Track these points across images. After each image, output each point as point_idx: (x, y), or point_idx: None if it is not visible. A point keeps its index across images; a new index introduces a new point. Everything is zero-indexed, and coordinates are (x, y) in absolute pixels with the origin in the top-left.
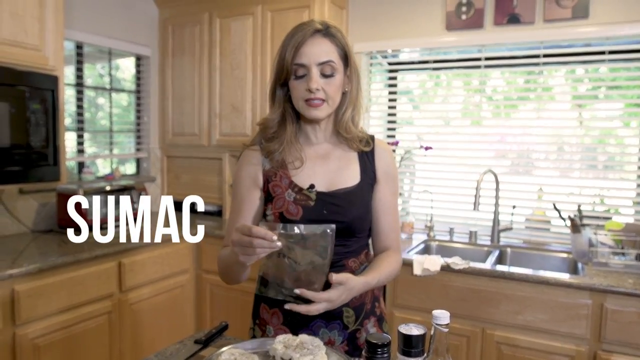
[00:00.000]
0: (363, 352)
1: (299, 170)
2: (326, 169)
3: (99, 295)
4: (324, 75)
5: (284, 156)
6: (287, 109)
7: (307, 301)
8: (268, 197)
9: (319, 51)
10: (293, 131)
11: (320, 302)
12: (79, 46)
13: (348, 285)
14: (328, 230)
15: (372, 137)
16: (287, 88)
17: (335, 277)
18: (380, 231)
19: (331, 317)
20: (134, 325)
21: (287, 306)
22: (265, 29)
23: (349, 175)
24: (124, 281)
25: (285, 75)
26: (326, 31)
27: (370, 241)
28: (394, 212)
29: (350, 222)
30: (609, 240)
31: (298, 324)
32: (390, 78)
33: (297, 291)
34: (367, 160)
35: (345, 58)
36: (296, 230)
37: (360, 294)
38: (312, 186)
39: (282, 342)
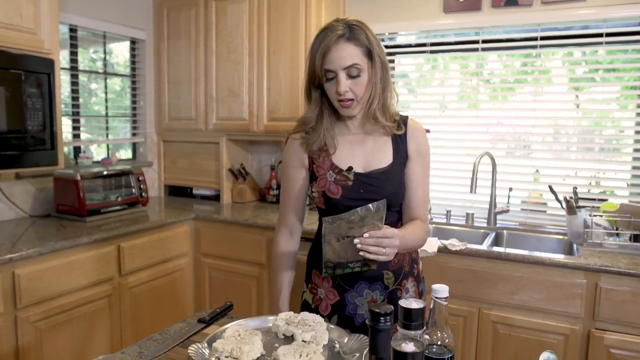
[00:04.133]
0: (367, 321)
1: (338, 153)
2: (363, 152)
3: (99, 278)
4: (351, 77)
5: (324, 142)
6: (324, 106)
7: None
8: (312, 177)
9: (344, 56)
10: (330, 124)
11: (389, 234)
12: (73, 30)
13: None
14: (381, 206)
15: (404, 121)
16: (322, 88)
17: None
18: (409, 203)
19: (373, 279)
20: (133, 309)
21: (356, 240)
22: (261, 12)
23: (383, 157)
24: (123, 265)
25: (319, 79)
26: (350, 34)
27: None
28: (423, 187)
29: (384, 199)
30: (604, 221)
31: (345, 287)
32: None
33: (366, 234)
34: (400, 142)
35: (370, 54)
36: (355, 214)
37: (398, 259)
38: (350, 168)
39: (284, 319)
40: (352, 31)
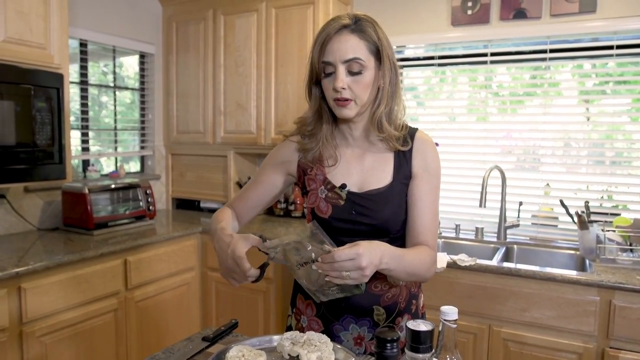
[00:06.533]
0: (373, 347)
1: (334, 168)
2: (360, 168)
3: (105, 292)
4: (351, 73)
5: (320, 152)
6: (323, 107)
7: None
8: (304, 190)
9: (345, 48)
10: (329, 129)
11: (343, 256)
12: (83, 44)
13: (360, 246)
14: (313, 228)
15: (412, 134)
16: (321, 86)
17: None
18: (413, 227)
19: (362, 313)
20: (140, 323)
21: (314, 266)
22: (269, 25)
23: (382, 176)
24: (129, 279)
25: (316, 74)
26: (355, 26)
27: None
28: (430, 209)
29: (380, 223)
30: (617, 236)
31: (330, 317)
32: None
33: (314, 265)
34: (403, 158)
35: (377, 53)
36: (289, 244)
37: (393, 294)
38: (343, 185)
39: (289, 338)
40: (359, 23)
